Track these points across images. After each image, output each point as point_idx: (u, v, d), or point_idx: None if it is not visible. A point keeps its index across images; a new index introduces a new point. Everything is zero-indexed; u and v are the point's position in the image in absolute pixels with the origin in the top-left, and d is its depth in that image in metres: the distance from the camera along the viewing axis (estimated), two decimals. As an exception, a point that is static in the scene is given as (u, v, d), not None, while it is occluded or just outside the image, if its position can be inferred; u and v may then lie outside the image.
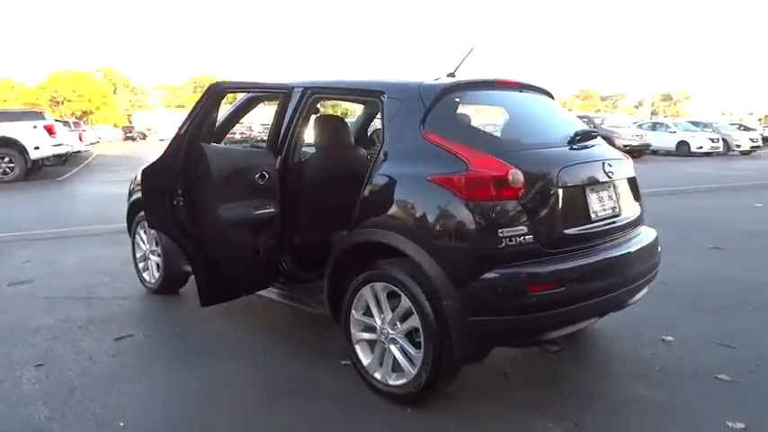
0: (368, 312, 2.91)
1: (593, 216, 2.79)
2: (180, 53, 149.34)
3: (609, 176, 2.90)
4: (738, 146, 24.52)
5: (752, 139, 25.19)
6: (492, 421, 2.66)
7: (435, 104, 2.82)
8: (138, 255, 4.74)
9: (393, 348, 2.78)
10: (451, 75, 3.25)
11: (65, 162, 18.25)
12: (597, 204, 2.83)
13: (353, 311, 2.93)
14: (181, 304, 4.44)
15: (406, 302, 2.67)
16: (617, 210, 2.95)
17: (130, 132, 53.06)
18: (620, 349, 3.48)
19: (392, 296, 2.78)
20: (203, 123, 2.99)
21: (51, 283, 4.93)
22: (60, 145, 14.77)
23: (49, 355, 3.41)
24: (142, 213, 4.56)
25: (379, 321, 2.83)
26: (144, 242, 4.62)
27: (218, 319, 4.05)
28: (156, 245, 4.47)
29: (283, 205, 3.34)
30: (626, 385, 3.02)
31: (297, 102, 3.38)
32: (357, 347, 2.95)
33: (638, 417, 2.70)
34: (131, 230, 4.77)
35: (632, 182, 3.16)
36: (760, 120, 52.31)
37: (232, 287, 3.29)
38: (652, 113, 58.51)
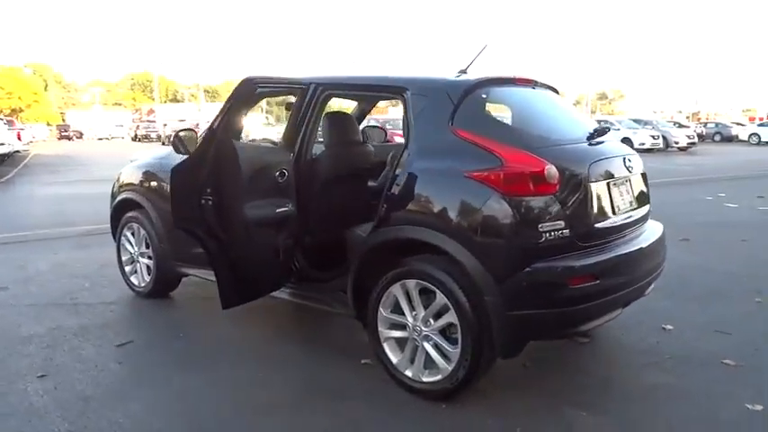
0: (397, 310, 2.89)
1: (616, 210, 2.87)
2: (116, 48, 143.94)
3: (629, 171, 2.99)
4: (677, 142, 25.77)
5: (688, 136, 26.56)
6: (526, 413, 2.70)
7: (463, 101, 2.83)
8: (124, 258, 4.54)
9: (426, 345, 2.77)
10: (463, 72, 3.27)
11: (2, 162, 17.29)
12: (618, 198, 2.91)
13: (381, 309, 2.91)
14: (174, 307, 4.29)
15: (441, 299, 2.67)
16: (633, 204, 3.05)
17: (66, 131, 50.61)
18: (628, 339, 3.59)
19: (423, 293, 2.78)
20: (235, 119, 2.90)
21: (28, 289, 4.65)
22: (2, 144, 13.97)
23: (49, 365, 3.22)
24: (129, 214, 4.40)
25: (410, 319, 2.82)
26: (132, 244, 4.44)
27: (220, 322, 3.94)
28: (147, 246, 4.30)
29: (296, 203, 3.28)
30: (643, 373, 3.12)
31: (310, 98, 3.32)
32: (385, 346, 2.93)
33: (662, 403, 2.80)
34: (116, 233, 4.56)
35: (644, 177, 3.27)
36: (688, 117, 55.20)
37: (253, 288, 3.21)
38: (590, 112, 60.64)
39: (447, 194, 2.69)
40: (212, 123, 2.93)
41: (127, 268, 4.52)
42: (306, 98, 3.32)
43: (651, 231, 3.16)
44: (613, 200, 2.87)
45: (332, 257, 3.44)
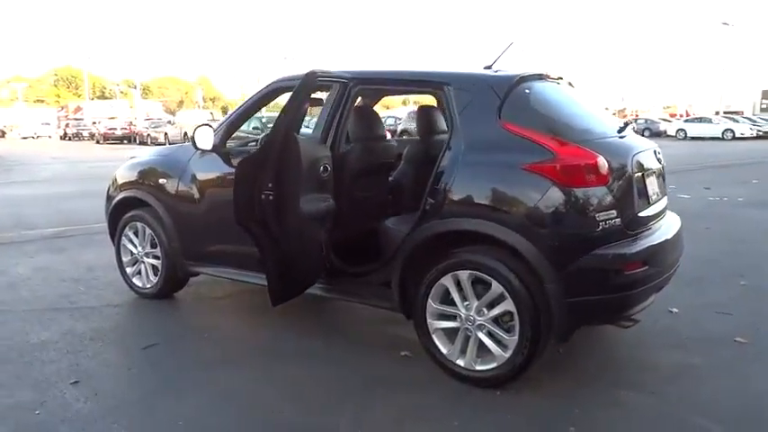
0: (446, 301, 2.94)
1: (650, 200, 3.03)
2: (37, 42, 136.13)
3: (660, 162, 3.15)
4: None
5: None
6: (579, 396, 2.81)
7: (509, 95, 2.91)
8: (125, 259, 4.36)
9: (480, 334, 2.84)
10: (488, 68, 3.36)
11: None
12: (651, 189, 3.07)
13: (430, 301, 2.95)
14: (185, 308, 4.18)
15: (497, 288, 2.74)
16: (659, 194, 3.22)
17: (-14, 129, 47.58)
18: (643, 322, 3.77)
19: (475, 283, 2.84)
20: (300, 113, 2.86)
21: (19, 294, 4.40)
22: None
23: (77, 370, 3.07)
24: (131, 213, 4.24)
25: (462, 309, 2.87)
26: (136, 244, 4.27)
27: (237, 321, 3.89)
28: (153, 246, 4.16)
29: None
30: (669, 354, 3.30)
31: (346, 92, 3.31)
32: (434, 337, 2.97)
33: (697, 381, 2.98)
34: (115, 234, 4.38)
35: (663, 169, 3.46)
36: (614, 114, 57.94)
37: (300, 284, 3.18)
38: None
39: (504, 187, 2.76)
40: (278, 118, 2.89)
41: (128, 269, 4.35)
42: (341, 92, 3.30)
43: (672, 221, 3.34)
44: (648, 190, 3.03)
45: (364, 251, 3.44)
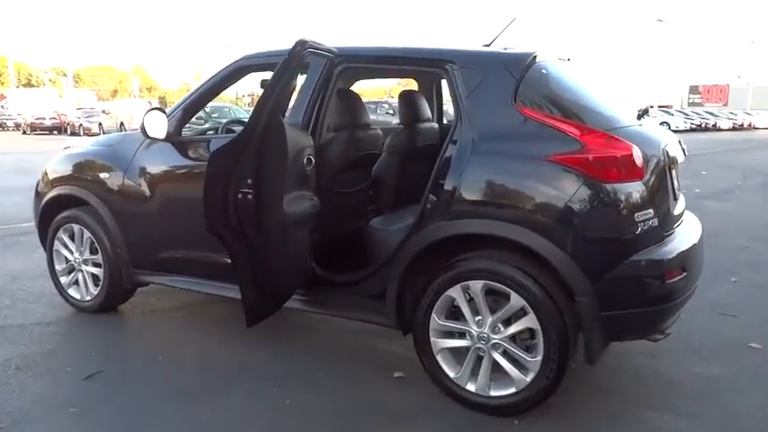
0: (453, 316, 2.53)
1: (676, 195, 2.71)
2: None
3: (685, 155, 2.83)
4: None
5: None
6: (606, 422, 2.46)
7: (525, 76, 2.51)
8: (59, 267, 3.72)
9: (496, 355, 2.43)
10: (487, 46, 2.96)
11: None
12: (676, 183, 2.75)
13: (434, 316, 2.52)
14: (132, 324, 3.60)
15: (517, 301, 2.34)
16: (680, 189, 2.91)
17: None
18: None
19: (488, 294, 2.44)
20: (287, 93, 2.36)
21: (-74, 311, 3.69)
22: None
23: (1, 414, 2.47)
24: (66, 214, 3.61)
25: (473, 326, 2.46)
26: (72, 250, 3.65)
27: (196, 337, 3.34)
28: (93, 252, 3.55)
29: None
30: (687, 363, 3.01)
31: (329, 71, 2.83)
32: (439, 358, 2.55)
33: (724, 394, 2.69)
34: (46, 237, 3.73)
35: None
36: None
37: (278, 297, 2.68)
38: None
39: (525, 182, 2.35)
40: (260, 100, 2.37)
41: (63, 279, 3.72)
42: (325, 71, 2.81)
43: (691, 219, 3.02)
44: (674, 185, 2.70)
45: (348, 257, 2.99)
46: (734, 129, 40.18)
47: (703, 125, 37.98)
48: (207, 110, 17.19)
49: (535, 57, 2.58)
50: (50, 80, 68.15)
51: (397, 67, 3.05)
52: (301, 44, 2.39)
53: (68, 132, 30.24)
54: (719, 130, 38.47)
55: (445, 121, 4.48)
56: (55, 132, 31.75)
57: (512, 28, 3.14)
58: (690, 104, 61.87)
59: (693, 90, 69.16)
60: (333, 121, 3.06)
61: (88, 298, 3.63)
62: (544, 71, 2.60)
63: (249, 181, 2.37)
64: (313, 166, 2.64)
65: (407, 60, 2.90)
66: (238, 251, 2.46)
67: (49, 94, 56.69)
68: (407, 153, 3.56)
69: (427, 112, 3.76)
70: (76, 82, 70.73)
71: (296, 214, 2.47)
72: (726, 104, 60.22)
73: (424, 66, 2.86)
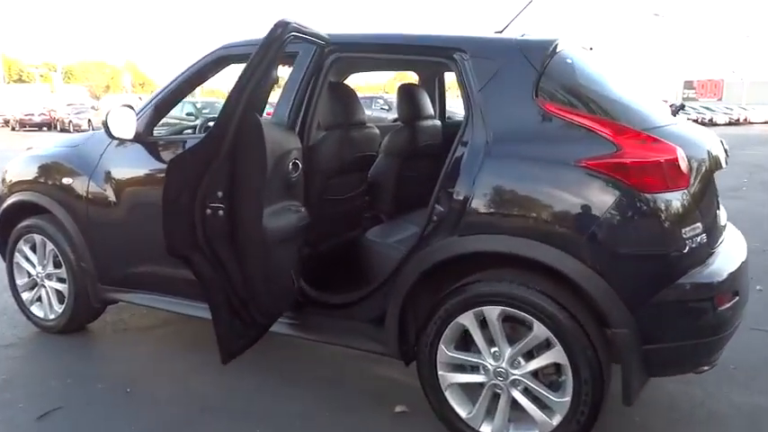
0: (464, 346, 2.17)
1: (719, 204, 2.36)
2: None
3: (726, 155, 2.47)
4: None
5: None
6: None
7: (548, 66, 2.14)
8: (20, 282, 3.34)
9: (515, 393, 2.07)
10: (499, 33, 2.59)
11: None
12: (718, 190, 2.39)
13: (442, 347, 2.16)
14: (101, 346, 3.23)
15: (541, 332, 1.98)
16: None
17: None
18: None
19: (505, 321, 2.08)
20: (266, 85, 1.98)
21: None
22: None
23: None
24: (27, 223, 3.23)
25: (489, 359, 2.10)
26: (34, 263, 3.27)
27: (173, 364, 2.96)
28: (57, 265, 3.18)
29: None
30: (730, 392, 2.66)
31: (318, 61, 2.45)
32: (447, 394, 2.19)
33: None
34: (6, 249, 3.35)
35: None
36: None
37: (259, 327, 2.31)
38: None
39: (550, 190, 1.98)
40: (231, 93, 1.99)
41: (25, 295, 3.34)
42: (315, 61, 2.44)
43: (733, 231, 2.65)
44: (717, 192, 2.34)
45: (344, 274, 2.63)
46: (730, 123, 39.96)
47: (699, 120, 37.73)
48: (198, 105, 16.64)
49: (557, 44, 2.21)
50: (41, 75, 67.31)
51: (398, 56, 2.66)
52: (282, 26, 2.00)
53: (58, 129, 29.76)
54: (716, 124, 38.20)
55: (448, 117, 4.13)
56: (44, 129, 31.25)
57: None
58: (684, 99, 61.62)
59: (688, 85, 68.87)
60: (324, 118, 2.69)
61: (52, 317, 3.25)
62: (569, 61, 2.24)
63: (220, 194, 1.99)
64: (300, 172, 2.27)
65: (410, 49, 2.51)
66: (209, 276, 2.08)
67: (40, 89, 55.96)
68: (407, 154, 3.21)
69: (429, 108, 3.40)
70: (68, 78, 69.87)
71: (279, 230, 2.10)
72: (720, 99, 60.01)
73: (429, 55, 2.46)
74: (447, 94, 4.23)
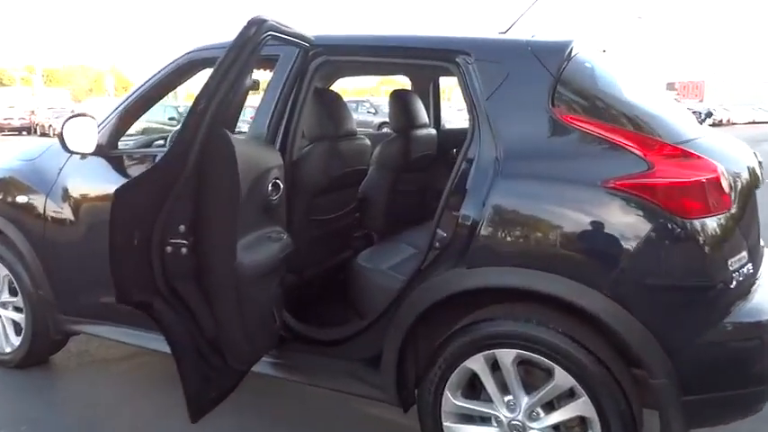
0: (473, 394, 1.89)
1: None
2: None
3: (761, 167, 2.21)
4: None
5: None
6: None
7: (564, 71, 1.87)
8: (-28, 310, 3.01)
9: (532, 449, 1.80)
10: (503, 34, 2.33)
11: None
12: None
13: (448, 394, 1.88)
14: (60, 383, 2.91)
15: (563, 380, 1.70)
16: None
17: None
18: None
19: (520, 364, 1.80)
20: (236, 94, 1.68)
21: None
22: None
23: None
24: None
25: (503, 409, 1.82)
26: (-14, 290, 2.94)
27: (140, 403, 2.63)
28: (12, 293, 2.86)
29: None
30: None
31: (302, 65, 2.16)
32: (454, 449, 1.91)
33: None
34: (-43, 272, 3.02)
35: None
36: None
37: (233, 376, 2.00)
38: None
39: (573, 216, 1.70)
40: (194, 106, 1.68)
41: (-22, 326, 3.01)
42: (298, 65, 2.15)
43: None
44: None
45: (333, 305, 2.35)
46: (713, 125, 40.13)
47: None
48: (180, 110, 16.11)
49: (575, 46, 1.94)
50: (22, 78, 66.29)
51: (392, 59, 2.35)
52: (257, 24, 1.69)
53: (38, 133, 29.13)
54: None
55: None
56: (24, 133, 30.61)
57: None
58: (667, 101, 61.84)
59: (670, 87, 69.31)
60: (309, 129, 2.40)
61: (8, 350, 2.92)
62: (587, 65, 1.97)
63: (182, 228, 1.68)
64: (282, 193, 1.97)
65: (406, 52, 2.20)
66: (173, 324, 1.77)
67: (21, 93, 55.00)
68: (401, 166, 2.93)
69: (423, 115, 3.13)
70: (50, 81, 68.83)
71: (257, 265, 1.80)
72: (702, 101, 60.41)
73: (428, 58, 2.16)
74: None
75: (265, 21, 1.70)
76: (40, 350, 2.89)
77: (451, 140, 3.39)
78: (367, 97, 18.90)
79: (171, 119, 14.99)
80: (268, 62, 2.25)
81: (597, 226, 1.66)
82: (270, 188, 1.88)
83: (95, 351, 3.17)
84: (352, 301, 2.33)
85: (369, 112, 17.13)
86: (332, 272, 2.58)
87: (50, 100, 46.32)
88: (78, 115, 2.44)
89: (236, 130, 1.98)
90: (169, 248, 1.67)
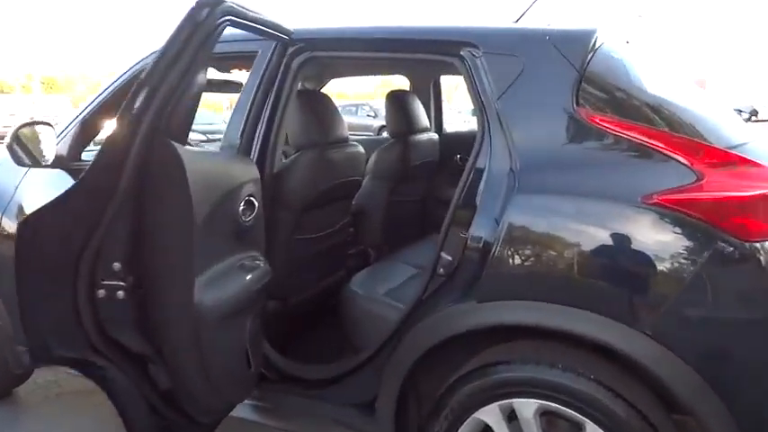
0: (486, 448, 1.59)
1: None
2: None
3: None
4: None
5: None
6: None
7: (589, 64, 1.57)
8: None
9: None
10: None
11: None
12: None
13: (457, 448, 1.58)
14: (21, 421, 2.61)
15: (596, 436, 1.40)
16: None
17: None
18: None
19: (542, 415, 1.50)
20: (185, 95, 1.37)
21: None
22: None
23: None
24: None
25: (522, 470, 1.52)
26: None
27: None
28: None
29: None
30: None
31: (280, 63, 1.87)
32: None
33: None
34: None
35: None
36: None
37: (200, 429, 1.70)
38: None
39: (607, 239, 1.40)
40: (129, 103, 1.37)
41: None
42: (276, 63, 1.86)
43: None
44: None
45: (322, 337, 2.06)
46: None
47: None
48: None
49: (599, 35, 1.65)
50: (22, 86, 66.30)
51: (387, 54, 1.99)
52: (210, 6, 1.38)
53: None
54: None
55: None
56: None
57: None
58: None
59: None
60: (293, 137, 2.11)
61: (-35, 384, 2.63)
62: (615, 56, 1.67)
63: (117, 265, 1.38)
64: (258, 212, 1.67)
65: (403, 45, 1.89)
66: (116, 381, 1.47)
67: (21, 100, 54.82)
68: (399, 175, 2.65)
69: (424, 118, 2.84)
70: (50, 88, 68.68)
71: (223, 303, 1.49)
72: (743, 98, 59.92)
73: (428, 52, 1.82)
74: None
75: (221, 2, 1.39)
76: (1, 384, 2.61)
77: (455, 145, 3.11)
78: (366, 101, 18.61)
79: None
80: (245, 60, 1.97)
81: (637, 251, 1.36)
82: (242, 208, 1.58)
83: (65, 382, 2.87)
84: (345, 333, 2.04)
85: (368, 115, 16.82)
86: (322, 296, 2.29)
87: (51, 107, 46.16)
88: (32, 123, 2.16)
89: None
90: (102, 292, 1.37)
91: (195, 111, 1.46)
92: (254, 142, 1.86)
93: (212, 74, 2.64)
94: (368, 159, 2.59)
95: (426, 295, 1.64)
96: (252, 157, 1.86)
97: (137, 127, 1.34)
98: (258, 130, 1.87)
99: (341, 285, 2.19)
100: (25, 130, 2.11)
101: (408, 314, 1.68)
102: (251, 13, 1.52)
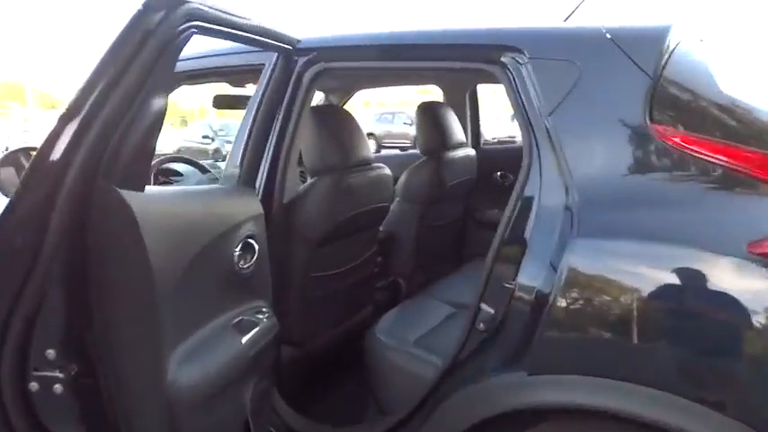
0: None
1: None
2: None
3: None
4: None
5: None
6: None
7: (665, 70, 1.24)
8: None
9: None
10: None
11: None
12: None
13: None
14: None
15: None
16: None
17: None
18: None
19: None
20: (131, 125, 1.08)
21: None
22: None
23: None
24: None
25: None
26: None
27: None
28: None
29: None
30: None
31: (280, 79, 1.61)
32: None
33: None
34: None
35: None
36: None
37: None
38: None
39: (702, 300, 1.08)
40: (48, 141, 1.04)
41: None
42: (281, 76, 1.59)
43: None
44: None
45: (342, 392, 1.78)
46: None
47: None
48: (215, 127, 15.46)
49: (674, 32, 1.31)
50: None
51: (416, 63, 1.65)
52: (168, 8, 1.06)
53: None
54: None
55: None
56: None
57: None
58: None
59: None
60: (308, 161, 1.83)
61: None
62: (695, 59, 1.34)
63: (51, 352, 1.09)
64: (261, 254, 1.40)
65: (434, 51, 1.57)
66: None
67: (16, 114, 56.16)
68: (433, 197, 2.36)
69: (459, 132, 2.54)
70: (43, 105, 70.10)
71: (208, 379, 1.21)
72: None
73: (463, 59, 1.48)
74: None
75: (182, 2, 1.09)
76: None
77: (496, 161, 2.80)
78: (402, 109, 18.30)
79: (204, 137, 14.41)
80: (250, 75, 1.71)
81: (744, 318, 1.03)
82: (237, 253, 1.31)
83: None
84: (371, 386, 1.75)
85: (405, 123, 16.53)
86: (346, 339, 2.01)
87: (47, 123, 46.84)
88: (20, 150, 1.94)
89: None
90: (34, 385, 1.10)
91: (153, 146, 1.16)
92: (260, 169, 1.59)
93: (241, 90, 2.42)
94: (396, 179, 2.31)
95: (464, 355, 1.34)
96: (257, 186, 1.60)
97: (62, 172, 1.04)
98: (265, 155, 1.60)
99: (367, 325, 1.91)
100: (12, 157, 1.90)
101: (444, 375, 1.38)
102: (231, 18, 1.23)
